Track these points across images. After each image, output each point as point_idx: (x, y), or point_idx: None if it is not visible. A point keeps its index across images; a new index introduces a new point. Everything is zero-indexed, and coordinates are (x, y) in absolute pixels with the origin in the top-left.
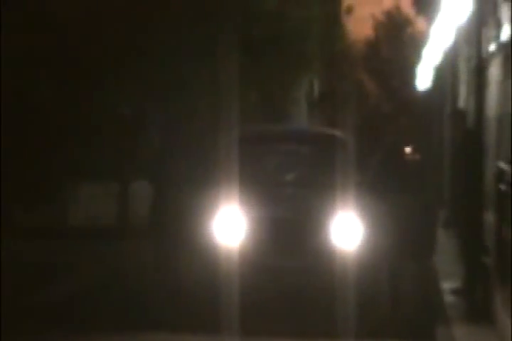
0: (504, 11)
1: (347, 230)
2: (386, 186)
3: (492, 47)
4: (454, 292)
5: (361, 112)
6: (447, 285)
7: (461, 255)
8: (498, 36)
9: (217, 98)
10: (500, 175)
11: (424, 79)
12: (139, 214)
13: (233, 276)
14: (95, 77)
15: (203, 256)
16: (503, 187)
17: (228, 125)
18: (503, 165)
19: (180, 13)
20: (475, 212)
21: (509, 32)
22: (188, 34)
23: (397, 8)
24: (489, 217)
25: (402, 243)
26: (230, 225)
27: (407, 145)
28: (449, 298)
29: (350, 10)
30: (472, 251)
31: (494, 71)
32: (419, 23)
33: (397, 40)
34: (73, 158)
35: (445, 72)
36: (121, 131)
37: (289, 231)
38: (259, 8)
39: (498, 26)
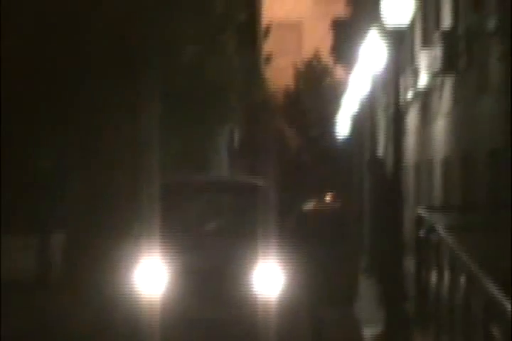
0: (421, 59)
1: (269, 279)
2: (307, 234)
3: (409, 95)
4: (376, 337)
5: (282, 161)
6: (369, 331)
7: (382, 301)
8: (415, 84)
9: (138, 149)
10: (419, 221)
11: (343, 127)
12: (58, 265)
13: (154, 328)
14: (16, 134)
15: (124, 307)
16: (421, 233)
17: (149, 175)
18: (421, 211)
19: (99, 65)
20: (394, 258)
21: (426, 80)
22: (108, 88)
23: (317, 57)
24: (409, 264)
25: (324, 290)
26: (151, 276)
27: (327, 192)
28: None
29: (269, 60)
30: (392, 297)
31: (412, 119)
32: (338, 72)
33: (317, 89)
34: None
35: (363, 121)
36: (40, 184)
37: (211, 282)
38: (179, 59)
39: (415, 74)
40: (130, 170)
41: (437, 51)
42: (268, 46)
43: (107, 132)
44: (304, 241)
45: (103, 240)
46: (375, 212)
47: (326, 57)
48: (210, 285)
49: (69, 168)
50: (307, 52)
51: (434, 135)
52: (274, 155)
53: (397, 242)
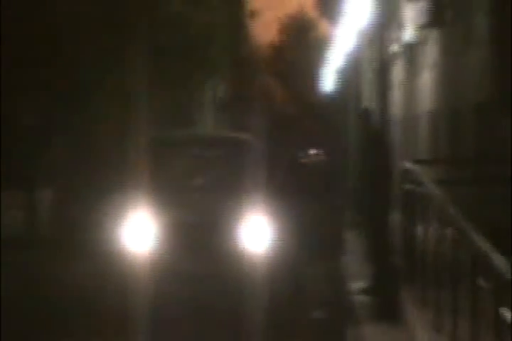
0: (406, 13)
1: (256, 233)
2: (294, 188)
3: (395, 48)
4: (363, 291)
5: (268, 115)
6: (356, 285)
7: (369, 255)
8: (400, 37)
9: (125, 104)
10: (405, 175)
11: (328, 81)
12: (47, 222)
13: (144, 281)
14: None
15: (114, 262)
16: (407, 186)
17: (137, 130)
18: (408, 165)
19: (87, 23)
20: (381, 211)
21: (411, 33)
22: (95, 44)
23: (302, 11)
24: (395, 217)
25: (310, 243)
26: (140, 231)
27: (313, 147)
28: (358, 298)
29: (254, 14)
30: (379, 251)
31: (398, 72)
32: (323, 26)
33: (302, 43)
34: None
35: (349, 75)
36: (27, 140)
37: (199, 237)
38: (164, 13)
39: (400, 28)
40: (117, 124)
41: (423, 4)
42: (253, 0)
43: (93, 87)
44: (291, 195)
45: (91, 195)
46: (363, 165)
47: (311, 12)
48: (198, 239)
49: (55, 123)
50: (292, 6)
51: (420, 88)
52: (260, 109)
53: (384, 196)
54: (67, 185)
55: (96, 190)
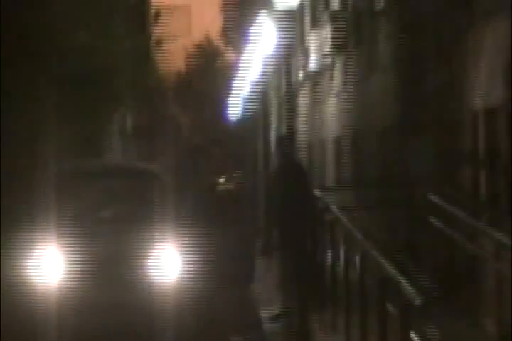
0: (311, 40)
1: (166, 263)
2: (204, 219)
3: (300, 75)
4: (273, 319)
5: (176, 144)
6: (266, 312)
7: (280, 281)
8: (306, 65)
9: (33, 136)
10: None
11: (235, 109)
12: None
13: (51, 316)
14: None
15: (20, 297)
16: (318, 213)
17: (44, 162)
18: (316, 192)
19: None
20: (300, 236)
21: (316, 60)
22: (5, 76)
23: (207, 40)
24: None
25: (221, 272)
26: (47, 264)
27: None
28: (268, 325)
29: (160, 43)
30: (290, 277)
31: (303, 99)
32: (229, 54)
33: (208, 71)
34: None
35: (255, 102)
36: None
37: (107, 268)
38: (69, 45)
39: (306, 55)
40: (24, 155)
41: (327, 31)
42: (158, 29)
43: (5, 120)
44: (201, 223)
45: None
46: (280, 190)
47: (217, 40)
48: (106, 271)
49: None
50: (197, 35)
51: (325, 115)
52: (167, 139)
53: (304, 221)
54: None
55: (3, 222)
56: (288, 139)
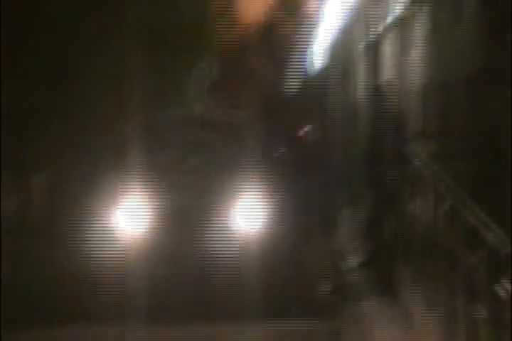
0: None
1: (252, 212)
2: (288, 168)
3: (385, 23)
4: (358, 267)
5: (260, 94)
6: (351, 260)
7: (362, 231)
8: (390, 13)
9: (117, 85)
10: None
11: (319, 59)
12: (40, 208)
13: (140, 265)
14: None
15: (109, 245)
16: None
17: (129, 112)
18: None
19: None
20: (388, 187)
21: (402, 8)
22: (85, 26)
23: None
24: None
25: (306, 222)
26: (135, 214)
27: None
28: (353, 274)
29: None
30: (373, 227)
31: (388, 47)
32: (312, 2)
33: (291, 20)
34: None
35: (339, 51)
36: (17, 125)
37: (195, 217)
38: None
39: (391, 3)
40: (110, 106)
41: None
42: None
43: (84, 69)
44: (284, 174)
45: (85, 180)
46: (372, 141)
47: None
48: (193, 222)
49: (46, 107)
50: None
51: (411, 63)
52: (250, 88)
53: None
54: (60, 170)
55: (90, 174)
56: (382, 88)
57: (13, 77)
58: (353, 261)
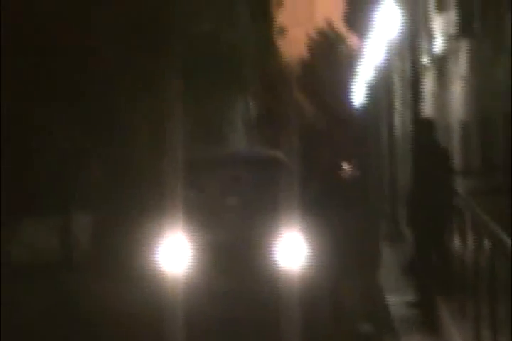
0: (436, 24)
1: (291, 250)
2: (328, 205)
3: (425, 59)
4: (408, 305)
5: (299, 131)
6: (393, 298)
7: (408, 269)
8: (431, 48)
9: (158, 124)
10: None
11: (359, 95)
12: (82, 246)
13: (179, 303)
14: (37, 114)
15: (149, 283)
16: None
17: (171, 150)
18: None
19: (120, 43)
20: (439, 224)
21: (442, 44)
22: (126, 63)
23: (329, 26)
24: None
25: (347, 259)
26: (175, 252)
27: (345, 160)
28: (396, 312)
29: (282, 31)
30: (421, 264)
31: (429, 83)
32: (352, 39)
33: (331, 57)
34: (14, 193)
35: (379, 87)
36: (62, 165)
37: (235, 255)
38: (195, 33)
39: (431, 38)
40: (151, 145)
41: (452, 15)
42: (281, 17)
43: (126, 108)
44: (326, 210)
45: (127, 218)
46: (417, 174)
47: (339, 26)
48: (233, 259)
49: (89, 146)
50: (320, 21)
51: (451, 99)
52: (291, 125)
53: (445, 209)
54: (103, 208)
55: (132, 212)
56: (429, 123)
57: (51, 121)
58: (398, 298)
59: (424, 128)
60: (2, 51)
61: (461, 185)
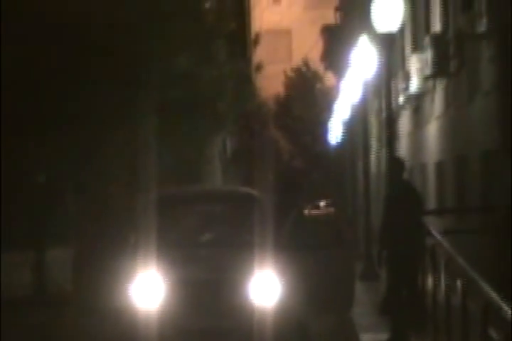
0: (412, 64)
1: (265, 288)
2: (303, 242)
3: (401, 99)
4: None
5: (275, 169)
6: (367, 337)
7: (382, 307)
8: (406, 88)
9: (133, 161)
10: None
11: (335, 133)
12: (56, 281)
13: (153, 340)
14: (10, 148)
15: (123, 320)
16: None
17: (145, 187)
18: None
19: (98, 80)
20: (408, 264)
21: (417, 84)
22: (104, 100)
23: (306, 64)
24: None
25: (319, 296)
26: (149, 288)
27: (321, 198)
28: None
29: (260, 68)
30: (394, 303)
31: (404, 123)
32: (328, 78)
33: (308, 95)
34: None
35: (355, 126)
36: (36, 199)
37: (208, 293)
38: (171, 70)
39: (407, 78)
40: (126, 181)
41: (428, 55)
42: (258, 54)
43: (101, 142)
44: (300, 248)
45: (102, 253)
46: (389, 211)
47: (317, 64)
48: (207, 296)
49: (64, 181)
50: (297, 59)
51: (426, 139)
52: (267, 163)
53: (415, 248)
54: (79, 244)
55: (106, 247)
56: (401, 161)
57: (25, 155)
58: (372, 336)
59: (395, 167)
60: None
61: (435, 224)
